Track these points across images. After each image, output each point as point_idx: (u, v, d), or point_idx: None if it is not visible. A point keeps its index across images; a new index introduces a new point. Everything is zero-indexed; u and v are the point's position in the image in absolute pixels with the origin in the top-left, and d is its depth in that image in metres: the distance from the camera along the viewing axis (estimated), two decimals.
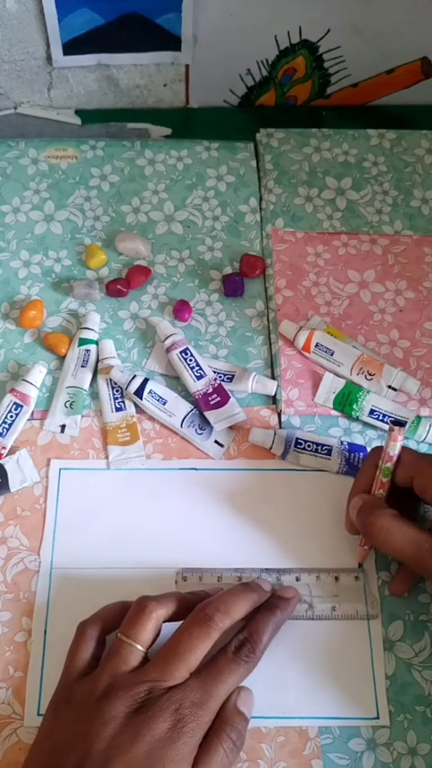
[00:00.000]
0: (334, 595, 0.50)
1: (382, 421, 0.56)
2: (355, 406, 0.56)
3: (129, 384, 0.56)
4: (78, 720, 0.41)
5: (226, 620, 0.43)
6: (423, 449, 0.56)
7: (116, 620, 0.46)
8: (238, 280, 0.62)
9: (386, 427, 0.56)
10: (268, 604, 0.47)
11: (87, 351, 0.58)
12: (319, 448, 0.55)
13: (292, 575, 0.51)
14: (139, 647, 0.43)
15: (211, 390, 0.56)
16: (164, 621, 0.45)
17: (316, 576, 0.51)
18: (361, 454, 0.55)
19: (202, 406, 0.56)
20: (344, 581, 0.51)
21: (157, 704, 0.40)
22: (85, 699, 0.42)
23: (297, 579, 0.50)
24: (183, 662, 0.42)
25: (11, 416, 0.55)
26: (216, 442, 0.56)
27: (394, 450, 0.49)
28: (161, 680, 0.41)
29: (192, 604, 0.45)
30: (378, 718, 0.47)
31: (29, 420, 0.56)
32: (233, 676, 0.43)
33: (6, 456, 0.54)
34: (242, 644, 0.44)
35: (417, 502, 0.51)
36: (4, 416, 0.55)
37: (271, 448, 0.55)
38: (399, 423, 0.53)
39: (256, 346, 0.60)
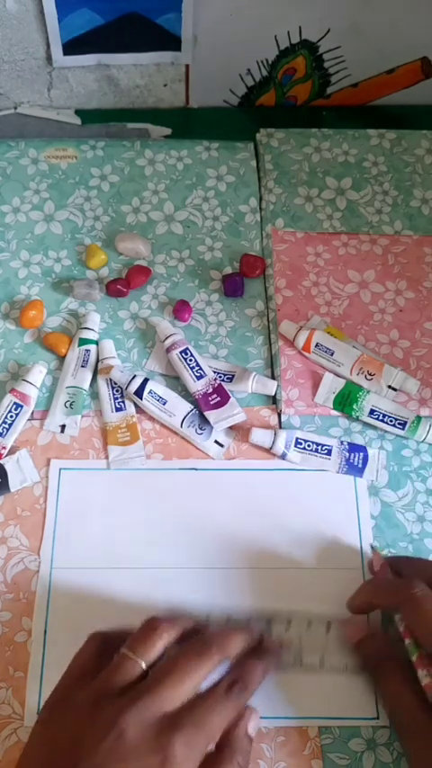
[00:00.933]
0: (323, 646, 0.48)
1: (382, 421, 0.56)
2: (355, 406, 0.56)
3: (129, 384, 0.56)
4: (72, 725, 0.41)
5: (223, 655, 0.44)
6: (423, 449, 0.56)
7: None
8: (238, 280, 0.62)
9: (386, 427, 0.56)
10: (258, 651, 0.47)
11: (87, 351, 0.58)
12: (319, 448, 0.55)
13: (281, 623, 0.49)
14: (143, 663, 0.43)
15: (211, 390, 0.56)
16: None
17: (307, 623, 0.49)
18: (361, 454, 0.55)
19: (202, 406, 0.56)
20: (335, 633, 0.49)
21: (149, 730, 0.40)
22: (80, 704, 0.42)
23: (288, 623, 0.49)
24: (178, 687, 0.42)
25: (11, 416, 0.55)
26: (216, 441, 0.56)
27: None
28: (155, 702, 0.41)
29: (196, 633, 0.45)
30: (378, 718, 0.47)
31: (29, 420, 0.56)
32: (225, 711, 0.42)
33: (6, 456, 0.54)
34: (234, 682, 0.44)
35: None
36: (4, 416, 0.55)
37: (271, 448, 0.55)
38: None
39: (256, 346, 0.60)
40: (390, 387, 0.57)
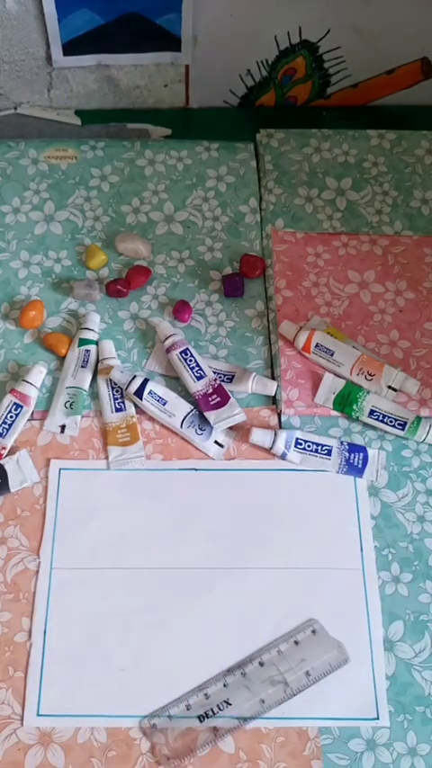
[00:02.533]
0: (301, 660, 0.49)
1: (381, 421, 0.56)
2: (355, 407, 0.56)
3: (129, 384, 0.56)
4: None
5: None
6: (423, 449, 0.56)
7: None
8: (238, 280, 0.62)
9: (386, 428, 0.56)
10: None
11: (87, 351, 0.58)
12: (319, 448, 0.55)
13: (254, 662, 0.48)
14: None
15: (211, 391, 0.56)
16: None
17: (277, 652, 0.49)
18: (361, 454, 0.55)
19: (202, 406, 0.56)
20: (304, 641, 0.49)
21: None
22: None
23: (261, 665, 0.48)
24: None
25: (11, 417, 0.55)
26: (216, 442, 0.56)
27: None
28: None
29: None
30: (378, 718, 0.47)
31: (29, 420, 0.56)
32: None
33: (6, 456, 0.54)
34: None
35: None
36: (4, 417, 0.55)
37: (271, 448, 0.55)
38: None
39: (256, 347, 0.60)
40: (390, 387, 0.57)
